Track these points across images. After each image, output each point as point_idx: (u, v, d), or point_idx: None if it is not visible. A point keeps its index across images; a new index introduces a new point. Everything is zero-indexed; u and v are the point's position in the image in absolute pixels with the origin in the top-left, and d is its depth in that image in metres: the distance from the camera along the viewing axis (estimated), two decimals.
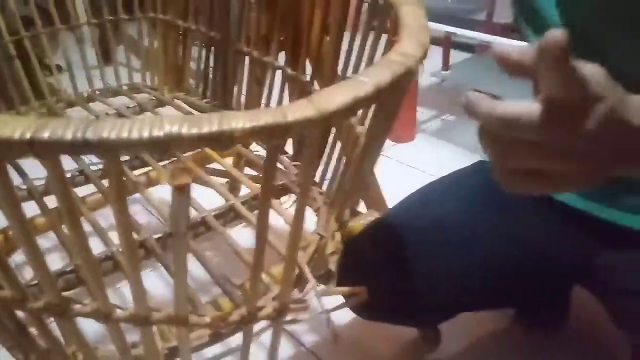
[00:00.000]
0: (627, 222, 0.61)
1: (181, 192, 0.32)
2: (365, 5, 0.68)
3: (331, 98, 0.36)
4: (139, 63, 1.13)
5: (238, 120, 0.33)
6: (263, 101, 0.92)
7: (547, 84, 0.34)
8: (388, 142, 1.81)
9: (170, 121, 0.33)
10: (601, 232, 0.63)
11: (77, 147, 0.32)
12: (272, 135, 0.34)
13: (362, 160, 0.56)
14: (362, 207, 0.95)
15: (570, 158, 0.36)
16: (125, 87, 1.14)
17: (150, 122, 0.32)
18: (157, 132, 0.32)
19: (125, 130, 0.32)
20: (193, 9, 1.02)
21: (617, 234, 0.62)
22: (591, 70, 0.35)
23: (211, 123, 0.33)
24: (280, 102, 0.89)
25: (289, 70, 0.84)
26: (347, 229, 0.69)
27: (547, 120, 0.34)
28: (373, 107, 0.48)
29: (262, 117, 0.33)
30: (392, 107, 0.51)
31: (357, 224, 0.81)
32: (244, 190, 0.80)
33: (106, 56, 1.10)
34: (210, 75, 1.03)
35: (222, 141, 0.33)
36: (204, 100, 1.05)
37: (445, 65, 1.92)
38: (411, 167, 1.66)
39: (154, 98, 1.09)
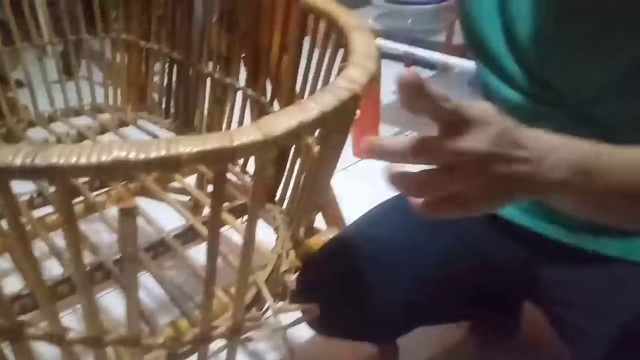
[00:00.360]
0: (564, 239, 0.65)
1: (127, 215, 0.34)
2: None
3: (277, 123, 0.38)
4: (102, 82, 1.14)
5: (185, 145, 0.35)
6: (224, 121, 0.93)
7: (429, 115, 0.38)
8: (352, 159, 1.84)
9: (119, 146, 0.34)
10: (542, 248, 0.67)
11: (26, 173, 0.33)
12: (218, 159, 0.36)
13: (314, 179, 0.58)
14: (322, 225, 0.97)
15: (466, 179, 0.39)
16: (87, 107, 1.14)
17: (98, 148, 0.34)
18: (105, 158, 0.33)
19: (74, 155, 0.33)
20: (155, 29, 1.03)
21: (556, 249, 0.65)
22: (483, 105, 0.39)
23: (159, 148, 0.34)
24: (241, 122, 0.90)
25: (249, 91, 0.86)
26: (305, 247, 0.71)
27: (439, 144, 0.39)
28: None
29: (209, 142, 0.35)
30: (339, 129, 0.53)
31: (317, 242, 0.83)
32: (208, 209, 0.81)
33: (69, 74, 1.10)
34: (173, 95, 1.04)
35: (169, 166, 0.35)
36: (167, 120, 1.06)
37: None
38: (374, 183, 1.69)
39: (116, 118, 1.09)
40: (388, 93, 2.01)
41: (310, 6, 0.68)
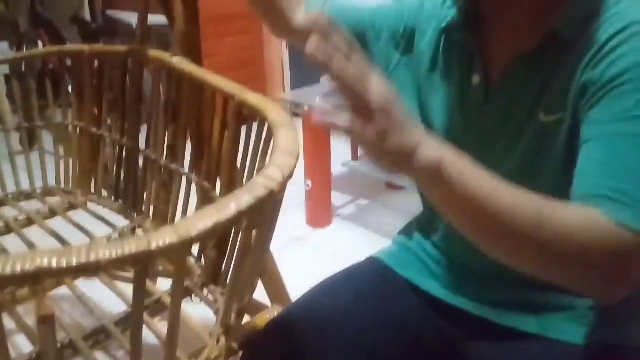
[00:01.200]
0: (485, 315, 0.69)
1: (45, 323, 0.36)
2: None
3: (193, 225, 0.41)
4: (54, 166, 1.15)
5: (105, 251, 0.38)
6: (171, 204, 0.96)
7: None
8: (306, 229, 1.88)
9: (41, 255, 0.37)
10: (465, 323, 0.71)
11: None
12: (137, 262, 0.39)
13: (240, 266, 0.61)
14: (267, 301, 0.98)
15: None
16: (39, 191, 1.15)
17: (22, 258, 0.36)
18: (29, 267, 0.36)
19: None
20: (106, 116, 1.07)
21: (479, 325, 0.69)
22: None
23: (79, 255, 0.37)
24: (186, 205, 0.94)
25: (193, 177, 0.90)
26: (241, 329, 0.72)
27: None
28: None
29: (127, 247, 0.38)
30: (261, 223, 0.56)
31: (261, 319, 0.84)
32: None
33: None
34: (122, 180, 1.07)
35: (90, 271, 0.37)
36: (116, 203, 1.08)
37: (355, 155, 2.06)
38: (328, 253, 1.73)
39: (66, 202, 1.11)
40: (338, 165, 2.10)
41: (244, 103, 0.74)
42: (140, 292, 0.42)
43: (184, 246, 0.40)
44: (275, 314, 0.84)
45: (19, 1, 3.25)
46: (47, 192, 1.16)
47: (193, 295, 0.81)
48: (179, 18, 0.82)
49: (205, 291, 0.80)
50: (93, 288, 0.81)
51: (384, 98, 0.47)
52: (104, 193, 1.13)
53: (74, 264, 0.36)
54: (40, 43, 2.73)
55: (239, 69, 2.92)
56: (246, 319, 0.89)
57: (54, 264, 0.36)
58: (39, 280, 0.37)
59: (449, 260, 0.76)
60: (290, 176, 0.53)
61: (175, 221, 0.96)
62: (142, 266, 0.40)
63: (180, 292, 0.46)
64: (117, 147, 1.07)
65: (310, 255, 1.73)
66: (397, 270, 0.80)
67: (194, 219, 0.42)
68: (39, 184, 1.16)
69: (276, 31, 0.82)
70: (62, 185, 1.17)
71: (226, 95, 0.77)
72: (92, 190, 1.15)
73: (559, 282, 0.52)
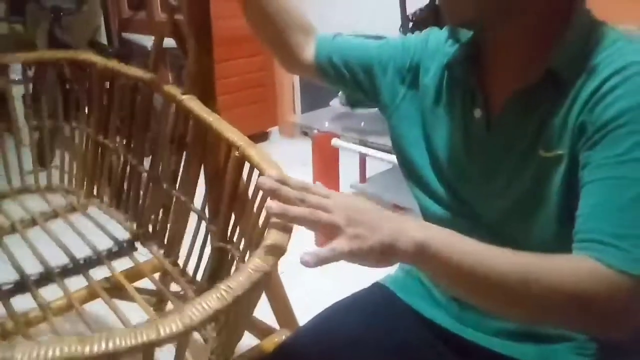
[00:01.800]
0: (488, 345, 0.71)
1: None
2: None
3: (196, 313, 0.44)
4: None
5: (122, 339, 0.40)
6: (169, 225, 0.98)
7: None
8: (313, 249, 1.87)
9: (67, 343, 0.38)
10: (469, 352, 0.72)
11: None
12: (146, 349, 0.42)
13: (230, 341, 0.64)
14: (275, 324, 1.00)
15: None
16: (42, 187, 1.17)
17: (52, 346, 0.38)
18: (59, 354, 0.37)
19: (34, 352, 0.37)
20: (113, 131, 1.09)
21: (482, 354, 0.71)
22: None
23: (100, 342, 0.39)
24: (183, 227, 0.96)
25: (193, 206, 0.93)
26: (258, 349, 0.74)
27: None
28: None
29: (139, 337, 0.41)
30: (254, 296, 0.59)
31: (269, 343, 0.86)
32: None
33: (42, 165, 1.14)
34: (125, 192, 1.09)
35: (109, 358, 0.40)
36: (117, 212, 1.11)
37: (363, 178, 2.09)
38: (336, 274, 1.73)
39: (68, 204, 1.13)
40: (346, 187, 2.12)
41: (247, 156, 0.77)
42: None
43: (187, 332, 0.44)
44: (283, 338, 0.86)
45: (38, 23, 3.36)
46: (50, 189, 1.18)
47: None
48: (192, 56, 0.85)
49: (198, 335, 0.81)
50: None
51: (342, 206, 0.53)
52: (105, 198, 1.14)
53: (95, 352, 0.39)
54: None
55: (249, 89, 2.98)
56: (254, 341, 0.91)
57: (79, 350, 0.38)
58: None
59: None
60: (283, 253, 0.57)
61: (174, 243, 0.98)
62: (151, 351, 0.43)
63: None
64: (122, 160, 1.09)
65: (319, 277, 1.74)
66: (402, 296, 0.81)
67: (196, 305, 0.45)
68: (42, 180, 1.17)
69: (286, 66, 0.85)
70: (65, 184, 1.18)
71: (230, 144, 0.80)
72: (94, 193, 1.16)
73: (564, 328, 0.54)
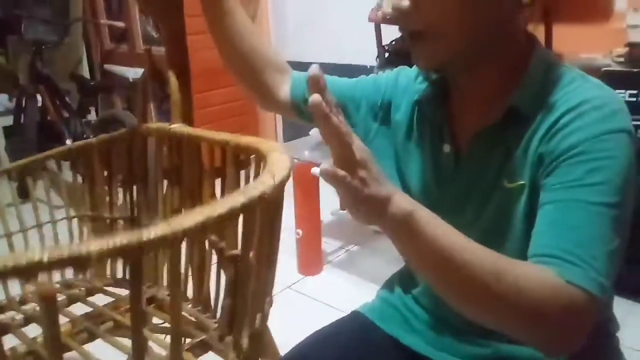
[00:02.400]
0: None
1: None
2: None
3: (185, 219, 0.41)
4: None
5: (100, 244, 0.37)
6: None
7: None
8: (296, 276, 1.91)
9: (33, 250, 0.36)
10: None
11: None
12: (128, 255, 0.38)
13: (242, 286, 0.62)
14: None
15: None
16: (57, 285, 1.11)
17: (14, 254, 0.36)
18: (20, 261, 0.35)
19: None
20: (116, 200, 1.09)
21: None
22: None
23: (71, 249, 0.36)
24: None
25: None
26: None
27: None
28: None
29: (118, 240, 0.38)
30: (259, 225, 0.56)
31: None
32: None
33: None
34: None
35: (80, 263, 0.36)
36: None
37: (343, 205, 2.11)
38: (318, 300, 1.75)
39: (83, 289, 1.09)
40: (327, 214, 2.14)
41: (239, 145, 0.79)
42: (137, 286, 0.43)
43: (176, 240, 0.40)
44: None
45: (19, 56, 3.37)
46: (66, 285, 1.14)
47: None
48: (174, 91, 0.88)
49: (222, 346, 0.80)
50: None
51: (364, 152, 0.54)
52: (119, 274, 1.12)
53: (66, 256, 0.36)
54: (39, 97, 2.80)
55: (230, 118, 3.01)
56: None
57: (45, 258, 0.35)
58: (33, 274, 0.36)
59: (428, 314, 0.80)
60: (283, 183, 0.55)
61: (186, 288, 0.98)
62: (135, 259, 0.40)
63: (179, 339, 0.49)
64: (129, 226, 1.08)
65: (302, 303, 1.75)
66: (380, 324, 0.83)
67: (188, 214, 0.42)
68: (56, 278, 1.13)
69: (262, 104, 0.89)
70: (80, 276, 1.15)
71: (222, 144, 0.82)
72: (108, 273, 1.13)
73: (515, 335, 0.56)
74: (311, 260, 1.92)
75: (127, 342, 0.81)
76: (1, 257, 0.35)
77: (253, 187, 0.49)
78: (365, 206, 0.54)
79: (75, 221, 1.15)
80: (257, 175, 0.77)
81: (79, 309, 0.94)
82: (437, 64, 0.66)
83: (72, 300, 1.00)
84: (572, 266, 0.54)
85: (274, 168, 0.57)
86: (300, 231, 1.86)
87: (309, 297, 1.79)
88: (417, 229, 0.54)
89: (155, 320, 0.91)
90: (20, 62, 3.25)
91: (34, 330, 0.84)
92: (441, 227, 0.55)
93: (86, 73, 3.54)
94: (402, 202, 0.55)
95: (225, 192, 0.86)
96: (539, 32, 1.71)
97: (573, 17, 1.76)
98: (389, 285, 0.89)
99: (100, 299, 0.98)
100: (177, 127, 0.92)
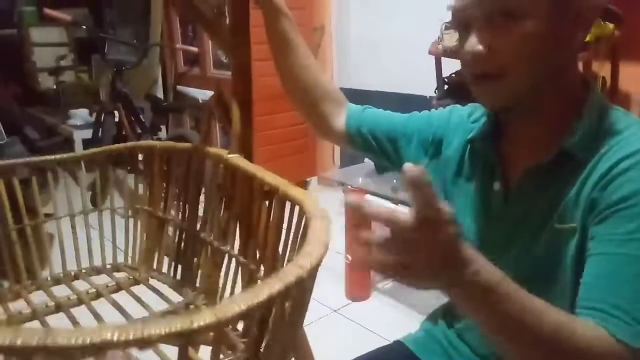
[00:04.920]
0: None
1: None
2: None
3: (230, 308, 0.46)
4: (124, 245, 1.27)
5: (156, 327, 0.44)
6: (220, 283, 1.04)
7: (416, 204, 0.48)
8: (343, 300, 1.92)
9: (106, 329, 0.44)
10: None
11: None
12: (181, 339, 0.45)
13: (273, 341, 0.66)
14: None
15: (419, 254, 0.49)
16: (108, 266, 1.26)
17: (90, 331, 0.43)
18: (96, 339, 0.41)
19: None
20: (170, 203, 1.19)
21: None
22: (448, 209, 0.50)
23: (136, 330, 0.44)
24: (234, 284, 1.02)
25: (241, 259, 0.99)
26: None
27: (413, 226, 0.48)
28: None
29: (173, 325, 0.43)
30: (292, 305, 0.60)
31: None
32: None
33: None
34: (180, 259, 1.16)
35: (143, 344, 0.45)
36: (174, 280, 1.18)
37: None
38: (363, 327, 1.75)
39: (131, 277, 1.21)
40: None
41: (287, 195, 0.83)
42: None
43: (220, 326, 0.45)
44: None
45: (101, 74, 3.65)
46: (115, 268, 1.25)
47: None
48: (236, 122, 0.94)
49: None
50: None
51: (449, 214, 0.50)
52: (164, 269, 1.22)
53: (131, 337, 0.41)
54: (116, 113, 3.01)
55: (291, 141, 3.10)
56: None
57: (115, 337, 0.41)
58: (103, 351, 0.44)
59: (471, 351, 0.80)
60: (319, 264, 0.57)
61: (223, 298, 1.04)
62: (185, 341, 0.46)
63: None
64: (178, 229, 1.17)
65: (347, 328, 1.76)
66: (421, 357, 0.84)
67: (230, 302, 0.47)
68: (109, 260, 1.25)
69: (318, 133, 0.93)
70: (129, 262, 1.26)
71: (272, 187, 0.87)
72: (154, 266, 1.24)
73: None
74: (359, 286, 1.93)
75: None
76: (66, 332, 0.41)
77: (291, 273, 0.52)
78: (442, 269, 0.50)
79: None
80: (298, 225, 0.80)
81: None
82: (502, 104, 0.66)
83: None
84: (617, 321, 0.54)
85: (310, 247, 0.58)
86: (349, 256, 1.88)
87: (354, 323, 1.79)
88: (495, 300, 0.52)
89: None
90: (102, 81, 3.53)
91: None
92: (520, 298, 0.54)
93: (160, 93, 3.77)
94: (482, 269, 0.52)
95: (268, 231, 0.90)
96: (605, 70, 1.67)
97: None
98: (433, 317, 0.90)
99: None
100: (234, 157, 0.97)
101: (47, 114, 3.78)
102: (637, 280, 0.56)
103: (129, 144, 1.26)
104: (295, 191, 0.83)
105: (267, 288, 0.51)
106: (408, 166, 0.48)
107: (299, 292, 0.60)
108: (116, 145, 1.27)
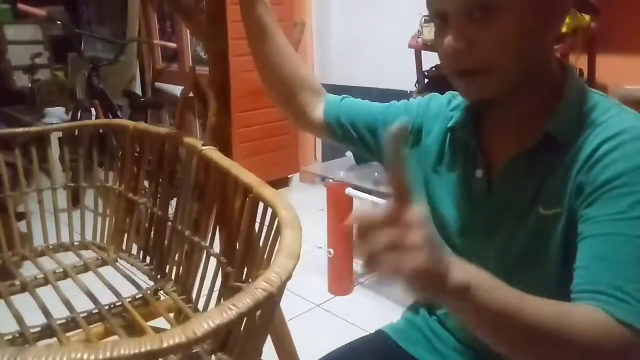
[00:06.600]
0: None
1: None
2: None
3: (199, 326, 0.46)
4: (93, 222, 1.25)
5: (125, 348, 0.42)
6: (191, 273, 1.03)
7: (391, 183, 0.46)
8: (326, 295, 1.92)
9: (75, 349, 0.42)
10: None
11: None
12: (150, 358, 0.44)
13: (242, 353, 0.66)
14: None
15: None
16: (76, 243, 1.24)
17: (61, 351, 0.40)
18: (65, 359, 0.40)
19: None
20: (143, 186, 1.18)
21: None
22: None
23: (105, 350, 0.42)
24: (204, 274, 1.00)
25: (212, 251, 0.98)
26: None
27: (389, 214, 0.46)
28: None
29: (143, 345, 0.43)
30: (261, 318, 0.60)
31: None
32: None
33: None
34: (150, 244, 1.15)
35: None
36: (143, 264, 1.17)
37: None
38: (346, 321, 1.75)
39: (99, 258, 1.19)
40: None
41: (260, 196, 0.81)
42: None
43: (190, 345, 0.45)
44: None
45: (78, 72, 3.58)
46: (83, 246, 1.25)
47: None
48: (212, 112, 0.93)
49: (213, 358, 0.84)
50: None
51: (423, 215, 0.47)
52: (134, 251, 1.21)
53: (100, 358, 0.41)
54: (93, 111, 2.96)
55: (271, 137, 3.09)
56: None
57: (85, 357, 0.40)
58: None
59: (453, 337, 0.80)
60: (288, 278, 0.56)
61: (193, 288, 1.02)
62: None
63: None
64: (149, 213, 1.16)
65: (330, 323, 1.76)
66: (403, 345, 0.84)
67: (199, 320, 0.47)
68: (77, 237, 1.25)
69: (297, 124, 0.92)
70: (98, 241, 1.26)
71: (245, 187, 0.85)
72: (124, 247, 1.23)
73: None
74: (342, 280, 1.93)
75: None
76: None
77: (260, 289, 0.52)
78: (423, 277, 0.47)
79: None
80: (271, 222, 0.77)
81: None
82: (487, 97, 0.66)
83: None
84: (622, 304, 0.53)
85: (281, 260, 0.58)
86: (332, 250, 1.88)
87: (337, 317, 1.79)
88: (479, 298, 0.50)
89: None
90: (78, 78, 3.47)
91: None
92: (501, 291, 0.52)
93: (138, 90, 3.72)
94: (459, 271, 0.49)
95: (241, 225, 0.88)
96: (582, 62, 1.69)
97: (617, 47, 1.73)
98: (414, 306, 0.90)
99: None
100: (208, 149, 0.96)
101: (22, 112, 3.70)
102: (634, 259, 0.55)
103: (101, 120, 1.24)
104: (268, 192, 0.81)
105: (236, 306, 0.50)
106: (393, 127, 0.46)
107: (268, 307, 0.58)
108: (87, 121, 1.25)
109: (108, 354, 0.41)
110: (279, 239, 0.66)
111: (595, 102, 0.65)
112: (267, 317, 0.61)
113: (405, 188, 0.47)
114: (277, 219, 0.72)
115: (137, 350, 0.42)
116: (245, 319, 0.54)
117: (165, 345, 0.43)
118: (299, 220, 0.67)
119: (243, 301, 0.50)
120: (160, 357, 0.44)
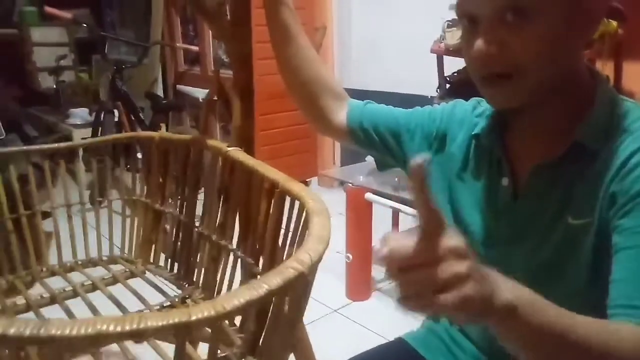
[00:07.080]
0: None
1: None
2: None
3: (228, 301, 0.46)
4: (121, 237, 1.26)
5: (152, 320, 0.44)
6: (218, 278, 1.04)
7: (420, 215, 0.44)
8: (344, 300, 1.91)
9: (101, 321, 0.43)
10: None
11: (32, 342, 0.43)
12: (178, 331, 0.45)
13: (271, 339, 0.65)
14: None
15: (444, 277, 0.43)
16: (105, 258, 1.26)
17: (85, 323, 0.43)
18: (91, 330, 0.42)
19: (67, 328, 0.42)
20: (168, 196, 1.19)
21: None
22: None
23: (132, 322, 0.43)
24: (232, 279, 1.01)
25: (239, 253, 0.98)
26: None
27: (420, 245, 0.43)
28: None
29: (170, 318, 0.44)
30: (291, 301, 0.60)
31: None
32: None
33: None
34: (177, 253, 1.16)
35: (139, 336, 0.44)
36: (171, 274, 1.17)
37: (396, 230, 2.10)
38: (363, 326, 1.73)
39: (127, 270, 1.21)
40: (379, 240, 2.11)
41: (287, 190, 0.82)
42: (181, 356, 0.47)
43: (219, 319, 0.45)
44: None
45: (101, 74, 3.64)
46: (112, 260, 1.26)
47: None
48: (236, 114, 0.94)
49: None
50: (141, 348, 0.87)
51: (463, 243, 0.45)
52: (161, 262, 1.22)
53: (127, 329, 0.41)
54: (116, 112, 3.00)
55: (292, 140, 3.09)
56: None
57: (111, 329, 0.41)
58: (97, 342, 0.43)
59: (475, 347, 0.78)
60: (319, 260, 0.56)
61: (221, 293, 1.03)
62: (183, 334, 0.46)
63: (215, 354, 0.52)
64: (176, 222, 1.17)
65: (347, 327, 1.75)
66: (423, 353, 0.83)
67: (229, 296, 0.47)
68: (105, 252, 1.26)
69: (319, 128, 0.92)
70: (126, 254, 1.27)
71: (272, 183, 0.86)
72: (151, 259, 1.24)
73: None
74: (360, 285, 1.91)
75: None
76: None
77: (290, 268, 0.51)
78: (469, 306, 0.44)
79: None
80: (298, 220, 0.79)
81: None
82: (517, 104, 0.64)
83: None
84: None
85: (312, 242, 0.58)
86: (350, 255, 1.87)
87: (355, 323, 1.78)
88: (527, 319, 0.48)
89: None
90: (102, 80, 3.52)
91: None
92: (549, 311, 0.50)
93: (160, 92, 3.76)
94: (506, 292, 0.47)
95: (267, 225, 0.89)
96: (608, 69, 1.66)
97: None
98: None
99: None
100: (233, 150, 0.96)
101: (47, 113, 3.77)
102: None
103: (127, 134, 1.27)
104: (295, 186, 0.82)
105: (266, 283, 0.50)
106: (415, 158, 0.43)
107: (299, 288, 0.59)
108: (114, 135, 1.27)
109: (135, 325, 0.41)
110: (306, 233, 0.66)
111: (627, 109, 0.63)
112: (297, 304, 0.60)
113: (436, 218, 0.44)
114: (305, 210, 0.72)
115: (165, 322, 0.42)
116: (274, 299, 0.53)
117: (193, 318, 0.43)
118: (327, 210, 0.67)
119: (273, 279, 0.49)
120: (188, 332, 0.43)
